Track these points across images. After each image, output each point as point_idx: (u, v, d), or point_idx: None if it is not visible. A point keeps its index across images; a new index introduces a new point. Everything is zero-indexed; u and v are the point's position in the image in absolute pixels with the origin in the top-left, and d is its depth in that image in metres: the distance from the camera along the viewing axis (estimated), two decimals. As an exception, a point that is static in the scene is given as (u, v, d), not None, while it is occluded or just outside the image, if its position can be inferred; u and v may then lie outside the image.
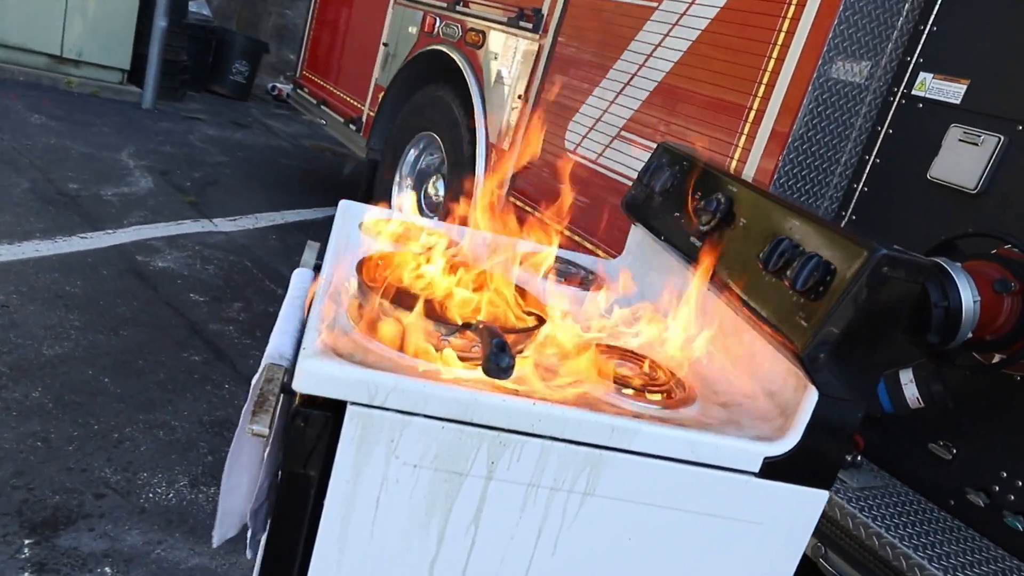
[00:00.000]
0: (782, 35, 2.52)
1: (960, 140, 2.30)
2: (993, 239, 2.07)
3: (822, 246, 1.15)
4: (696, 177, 1.63)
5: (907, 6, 2.46)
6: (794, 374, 1.17)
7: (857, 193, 2.57)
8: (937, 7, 2.41)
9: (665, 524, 1.14)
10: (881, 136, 2.51)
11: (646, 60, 3.05)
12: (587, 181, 3.28)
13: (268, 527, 1.19)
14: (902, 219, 2.42)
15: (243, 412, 1.24)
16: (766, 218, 1.32)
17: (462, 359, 1.11)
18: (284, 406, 1.13)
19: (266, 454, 1.27)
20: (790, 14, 2.50)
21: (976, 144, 2.26)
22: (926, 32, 2.43)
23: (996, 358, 2.03)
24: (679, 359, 1.34)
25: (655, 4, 3.03)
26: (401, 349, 1.11)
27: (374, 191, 5.05)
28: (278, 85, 9.19)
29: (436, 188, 4.65)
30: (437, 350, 1.10)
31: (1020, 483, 2.08)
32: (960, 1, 2.35)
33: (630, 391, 1.18)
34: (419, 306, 1.10)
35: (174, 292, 3.86)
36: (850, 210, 2.58)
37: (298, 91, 6.35)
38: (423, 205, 4.77)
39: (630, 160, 3.09)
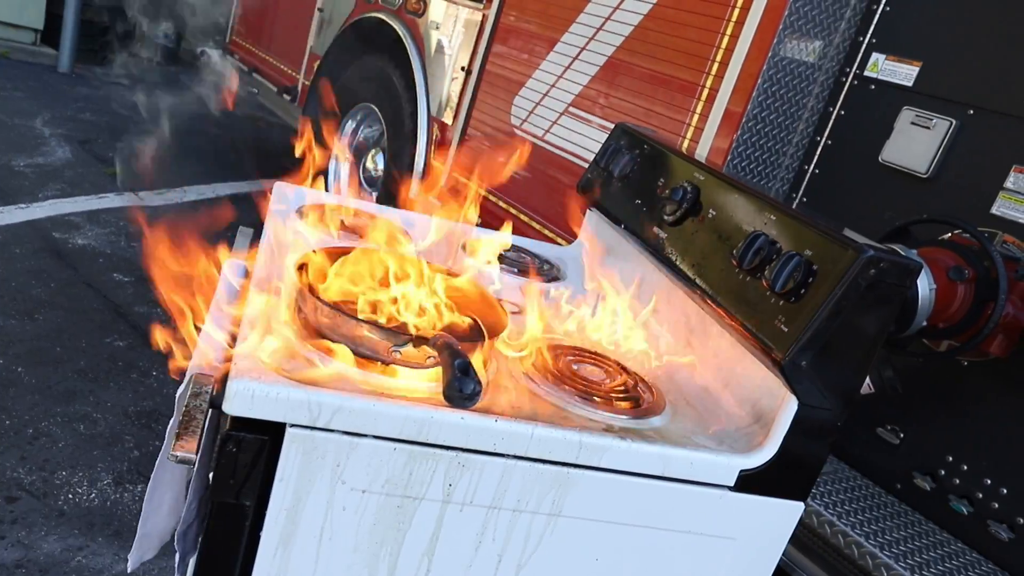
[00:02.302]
0: (736, 12, 2.45)
1: (912, 123, 2.27)
2: (947, 225, 2.06)
3: (802, 244, 1.08)
4: (659, 163, 1.54)
5: (861, -15, 2.41)
6: (770, 379, 1.10)
7: (808, 174, 2.54)
8: (892, -14, 2.36)
9: (635, 543, 1.07)
10: (833, 117, 2.47)
11: (595, 34, 2.94)
12: (533, 159, 3.18)
13: (198, 555, 1.07)
14: (853, 202, 2.39)
15: (167, 431, 1.11)
16: (738, 211, 1.24)
17: (414, 369, 1.00)
18: (213, 423, 1.01)
19: (193, 472, 1.15)
20: (745, -10, 2.43)
21: (928, 128, 2.24)
22: (879, 12, 2.39)
23: (944, 345, 2.02)
24: (644, 359, 1.26)
25: (605, -24, 2.91)
26: (347, 362, 0.99)
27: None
28: (207, 50, 8.76)
29: (375, 162, 4.47)
30: (387, 363, 0.99)
31: (965, 467, 2.10)
32: (913, -20, 2.32)
33: (597, 399, 1.10)
34: (365, 313, 0.99)
35: (95, 272, 3.61)
36: (801, 192, 2.55)
37: (228, 57, 6.03)
38: (362, 179, 4.59)
39: (578, 138, 2.99)
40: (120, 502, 2.32)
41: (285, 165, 5.69)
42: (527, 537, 1.02)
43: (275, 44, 5.31)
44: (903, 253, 1.88)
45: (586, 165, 2.93)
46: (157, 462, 1.11)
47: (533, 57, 3.20)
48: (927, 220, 2.08)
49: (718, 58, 2.49)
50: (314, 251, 1.16)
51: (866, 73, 2.40)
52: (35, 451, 2.42)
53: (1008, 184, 2.07)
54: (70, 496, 2.29)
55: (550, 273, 1.61)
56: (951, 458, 2.12)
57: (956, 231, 2.08)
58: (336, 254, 1.17)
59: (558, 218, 2.99)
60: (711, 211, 1.31)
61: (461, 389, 0.85)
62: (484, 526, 1.00)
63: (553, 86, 3.10)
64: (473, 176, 3.51)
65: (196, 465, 1.08)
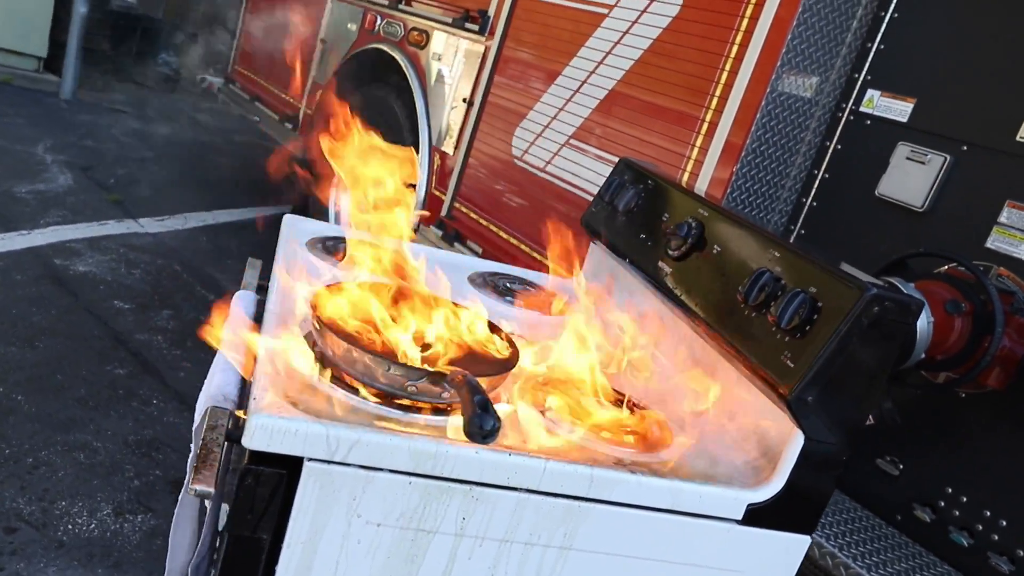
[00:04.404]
0: (735, 48, 2.50)
1: (907, 158, 2.32)
2: (943, 259, 2.09)
3: (807, 281, 1.10)
4: (663, 198, 1.58)
5: (855, 23, 2.46)
6: (776, 413, 1.12)
7: (806, 207, 2.57)
8: (884, 25, 2.42)
9: (636, 575, 1.08)
10: (830, 151, 2.52)
11: (596, 67, 2.99)
12: (535, 190, 3.22)
13: (211, 587, 1.08)
14: (850, 235, 2.42)
15: (188, 465, 1.12)
16: (743, 247, 1.27)
17: (430, 405, 1.02)
18: (228, 455, 1.02)
19: (208, 504, 1.16)
20: (743, 27, 2.48)
21: (923, 163, 2.28)
22: (873, 49, 2.45)
23: (942, 377, 2.04)
24: (652, 393, 1.28)
25: (606, 11, 2.97)
26: (363, 396, 1.01)
27: (310, 193, 4.87)
28: (208, 78, 8.84)
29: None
30: (403, 397, 1.01)
31: (964, 499, 2.11)
32: (906, 21, 2.37)
33: (607, 435, 1.11)
34: (380, 347, 1.01)
35: (96, 299, 3.62)
36: (799, 224, 2.58)
37: (230, 86, 6.09)
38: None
39: (579, 169, 3.03)
40: (120, 533, 2.31)
41: (282, 192, 5.72)
42: (538, 570, 1.04)
43: (277, 73, 5.38)
44: (902, 288, 1.91)
45: (587, 197, 2.99)
46: (180, 496, 1.12)
47: (534, 89, 3.25)
48: (924, 254, 2.11)
49: (717, 92, 2.53)
50: (328, 285, 1.18)
51: (862, 109, 2.45)
52: (35, 480, 2.41)
53: (1002, 219, 2.11)
54: (70, 527, 2.28)
55: (556, 304, 1.63)
56: (950, 489, 2.13)
57: (952, 264, 2.12)
58: (350, 288, 1.19)
59: (561, 249, 3.02)
60: (716, 247, 1.34)
61: (481, 426, 0.87)
62: (496, 560, 1.01)
63: (554, 118, 3.15)
64: (474, 204, 3.55)
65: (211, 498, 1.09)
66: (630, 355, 1.37)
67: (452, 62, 3.73)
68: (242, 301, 1.45)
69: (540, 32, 3.28)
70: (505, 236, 3.35)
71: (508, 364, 1.09)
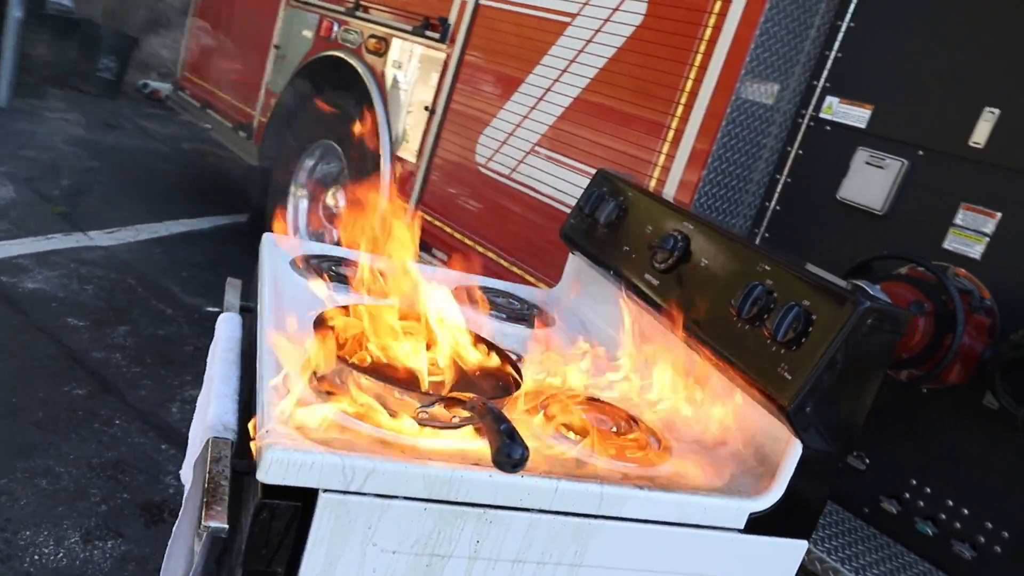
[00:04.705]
0: (699, 56, 2.55)
1: (867, 163, 2.40)
2: (905, 261, 2.17)
3: (799, 295, 1.14)
4: (644, 210, 1.60)
5: (813, 32, 2.54)
6: (772, 422, 1.15)
7: (770, 211, 2.64)
8: (841, 34, 2.50)
9: (649, 588, 1.10)
10: (792, 157, 2.59)
11: (560, 75, 3.02)
12: (500, 198, 3.22)
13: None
14: (813, 238, 2.49)
15: (186, 498, 1.10)
16: (731, 261, 1.30)
17: (442, 429, 1.02)
18: (234, 484, 1.01)
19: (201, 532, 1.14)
20: (707, 36, 2.53)
21: (881, 167, 2.36)
22: (831, 58, 2.52)
23: (905, 374, 2.12)
24: (645, 405, 1.31)
25: (568, 20, 3.00)
26: (373, 423, 1.00)
27: (267, 201, 4.79)
28: (151, 83, 8.60)
29: (336, 198, 4.46)
30: (415, 423, 1.01)
31: (928, 490, 2.19)
32: (862, 30, 2.45)
33: (610, 450, 1.13)
34: (385, 371, 1.00)
35: (48, 317, 3.50)
36: (763, 228, 2.65)
37: (179, 92, 5.95)
38: (322, 216, 4.57)
39: (545, 176, 3.05)
40: (90, 560, 2.24)
41: (238, 201, 5.65)
42: (550, 589, 1.04)
43: (229, 80, 5.27)
44: (869, 290, 1.98)
45: (554, 204, 3.01)
46: (175, 528, 1.10)
47: (498, 96, 3.25)
48: (888, 257, 2.18)
49: (683, 100, 2.58)
50: (330, 310, 1.17)
51: (821, 115, 2.53)
52: (-5, 509, 2.32)
53: (957, 220, 2.20)
54: (36, 557, 2.20)
55: (543, 319, 1.65)
56: (915, 482, 2.21)
57: (912, 266, 2.20)
58: (352, 313, 1.18)
59: (527, 257, 3.04)
60: (703, 260, 1.37)
61: (510, 455, 0.87)
62: (509, 580, 1.02)
63: (519, 126, 3.16)
64: (437, 212, 3.54)
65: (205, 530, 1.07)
66: (620, 368, 1.39)
67: (412, 70, 3.72)
68: (228, 323, 1.43)
69: (502, 40, 3.29)
70: (471, 243, 3.35)
71: (514, 385, 1.10)
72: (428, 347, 1.14)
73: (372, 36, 3.96)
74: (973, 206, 2.17)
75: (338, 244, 4.14)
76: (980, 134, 2.19)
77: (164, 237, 4.91)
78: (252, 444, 0.92)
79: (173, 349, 3.50)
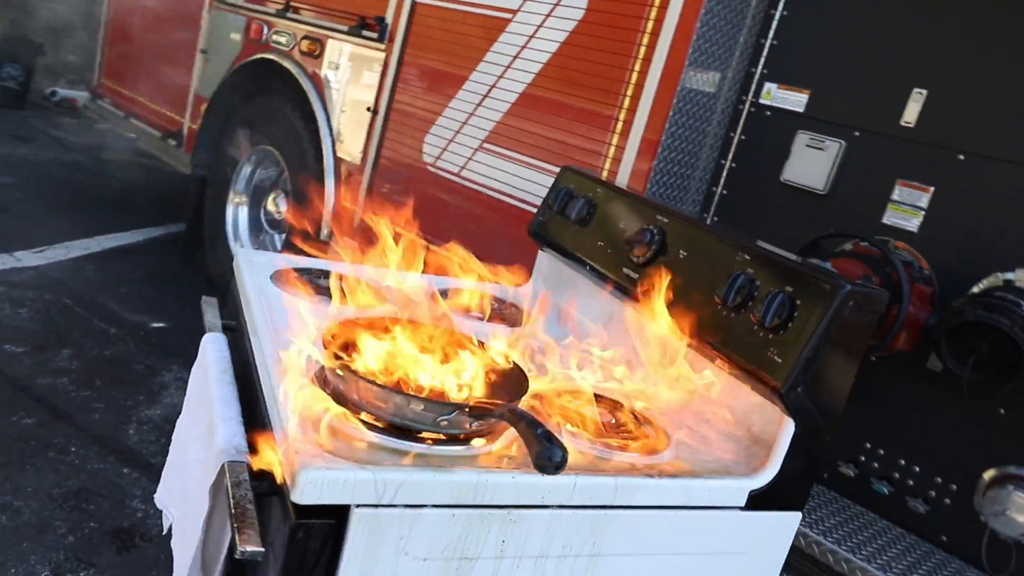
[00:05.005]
0: (643, 49, 2.62)
1: (807, 145, 2.51)
2: (851, 237, 2.29)
3: (781, 282, 1.21)
4: (616, 206, 1.65)
5: (748, 21, 2.63)
6: (762, 403, 1.22)
7: (717, 196, 2.74)
8: (775, 23, 2.60)
9: (661, 571, 1.15)
10: (735, 142, 2.69)
11: (505, 71, 3.04)
12: (450, 196, 3.24)
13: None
14: (760, 219, 2.60)
15: (201, 521, 1.09)
16: (710, 252, 1.36)
17: (461, 436, 1.05)
18: (254, 504, 1.01)
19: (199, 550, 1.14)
20: (649, 29, 2.60)
21: (821, 149, 2.48)
22: (767, 45, 2.63)
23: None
24: (638, 395, 1.36)
25: (509, 16, 3.03)
26: (392, 434, 1.02)
27: (204, 210, 4.67)
28: (61, 91, 8.22)
29: (277, 204, 4.38)
30: (434, 431, 1.03)
31: (882, 452, 2.33)
32: (795, 17, 2.56)
33: (613, 442, 1.18)
34: (404, 383, 1.02)
35: (-17, 345, 3.35)
36: (711, 212, 2.74)
37: (98, 101, 5.72)
38: (264, 222, 4.48)
39: (496, 172, 3.08)
40: (63, 593, 2.18)
41: (171, 212, 5.49)
42: (571, 580, 1.09)
43: (154, 87, 5.10)
44: (822, 266, 2.08)
45: (506, 200, 3.04)
46: (184, 560, 1.09)
47: (442, 95, 3.26)
48: (835, 235, 2.30)
49: (629, 92, 2.64)
50: (335, 324, 1.17)
51: (761, 101, 2.63)
52: (-46, 550, 2.23)
53: (894, 196, 2.33)
54: (5, 594, 2.13)
55: (522, 317, 1.68)
56: (869, 445, 2.34)
57: (855, 241, 2.33)
58: (357, 326, 1.19)
59: (481, 254, 3.06)
60: (681, 252, 1.43)
61: (551, 457, 0.91)
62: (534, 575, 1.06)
63: (465, 123, 3.18)
64: (387, 216, 3.52)
65: (202, 543, 1.08)
66: (608, 361, 1.44)
67: (351, 71, 3.68)
68: (214, 344, 1.41)
69: (443, 38, 3.30)
70: (424, 243, 3.35)
71: (524, 387, 1.13)
72: (438, 356, 1.16)
73: (305, 38, 3.90)
74: (908, 182, 2.31)
75: (283, 251, 4.07)
76: (910, 114, 2.32)
77: (96, 253, 4.73)
78: (260, 462, 0.93)
79: (122, 369, 3.39)
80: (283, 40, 4.05)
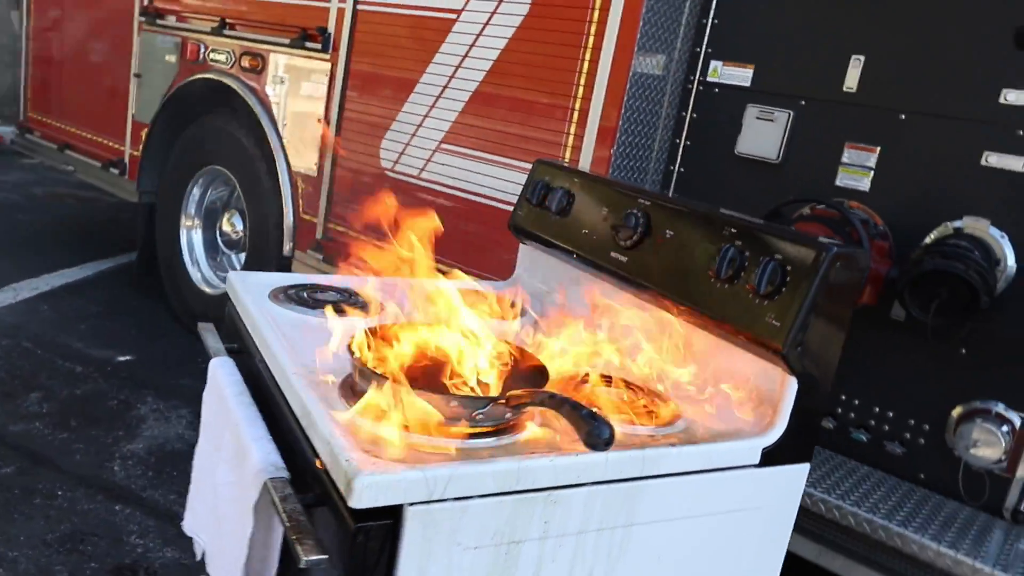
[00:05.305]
0: (591, 38, 2.68)
1: (757, 118, 2.62)
2: (807, 202, 2.40)
3: (770, 250, 1.28)
4: (595, 193, 1.71)
5: (688, 2, 2.72)
6: (763, 365, 1.29)
7: (675, 174, 2.83)
8: (715, 2, 2.70)
9: (687, 534, 1.22)
10: (687, 121, 2.78)
11: (456, 70, 3.08)
12: (412, 198, 3.26)
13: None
14: (719, 193, 2.69)
15: (246, 540, 1.12)
16: (696, 229, 1.43)
17: (495, 428, 1.10)
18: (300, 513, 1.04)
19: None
20: (596, 18, 2.66)
21: (771, 120, 2.59)
22: (709, 24, 2.72)
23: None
24: (643, 373, 1.42)
25: (454, 16, 3.06)
26: (430, 433, 1.07)
27: (155, 237, 4.59)
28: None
29: (232, 224, 4.34)
30: (471, 424, 1.08)
31: (856, 402, 2.45)
32: (734, -6, 2.66)
33: (627, 417, 1.24)
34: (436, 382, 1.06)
35: (-55, 398, 3.25)
36: (671, 190, 2.83)
37: (26, 135, 5.54)
38: (220, 243, 4.43)
39: (456, 171, 3.11)
40: (75, 637, 2.15)
41: (117, 243, 5.40)
42: (609, 551, 1.15)
43: (89, 116, 4.97)
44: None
45: (469, 197, 3.08)
46: None
47: (394, 99, 3.28)
48: (794, 201, 2.41)
49: (582, 81, 2.71)
50: (359, 333, 1.21)
51: (709, 79, 2.72)
52: (-47, 609, 2.18)
53: (844, 159, 2.45)
54: (14, 646, 2.10)
55: (517, 310, 1.73)
56: (844, 397, 2.46)
57: (813, 204, 2.43)
58: (378, 334, 1.22)
59: (452, 253, 3.10)
60: (667, 232, 1.49)
61: (600, 435, 0.96)
62: (575, 551, 1.11)
63: (421, 125, 3.20)
64: (351, 224, 3.53)
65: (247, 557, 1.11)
66: (609, 343, 1.50)
67: (297, 83, 3.66)
68: (225, 367, 1.43)
69: (389, 43, 3.31)
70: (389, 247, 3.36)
71: (545, 374, 1.19)
72: (461, 353, 1.20)
73: (246, 54, 3.86)
74: (856, 144, 2.43)
75: (245, 269, 4.02)
76: (851, 80, 2.44)
77: (47, 292, 4.60)
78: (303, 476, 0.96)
79: (96, 407, 3.33)
80: (222, 58, 4.00)
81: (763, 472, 1.25)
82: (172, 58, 4.29)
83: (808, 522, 2.18)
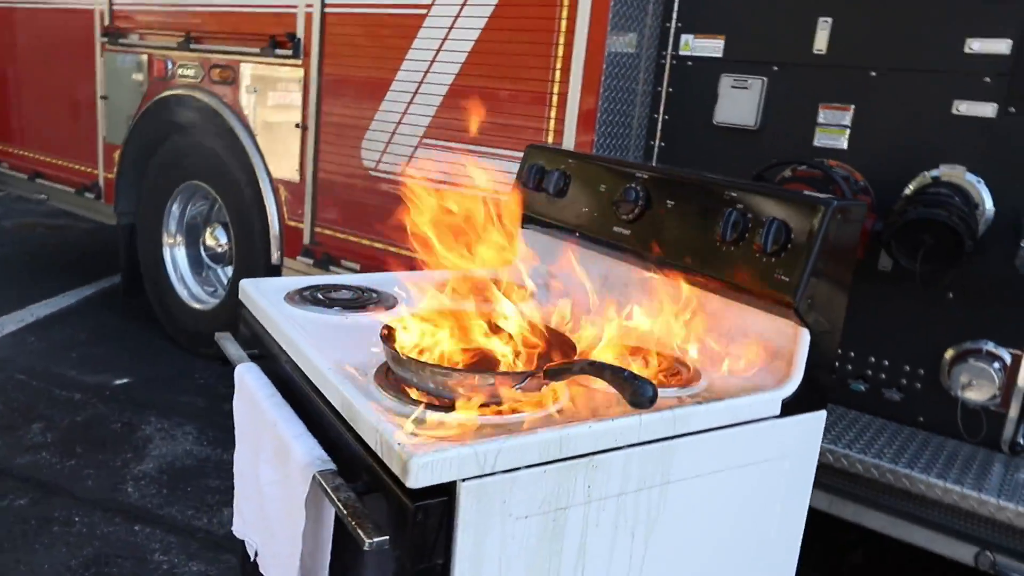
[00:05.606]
0: (564, 22, 2.72)
1: (732, 87, 2.67)
2: (791, 164, 2.46)
3: (772, 210, 1.33)
4: (591, 172, 1.75)
5: (653, -22, 2.76)
6: (775, 321, 1.35)
7: (656, 149, 2.88)
8: (681, -25, 2.74)
9: (718, 487, 1.28)
10: (664, 96, 2.83)
11: (430, 66, 3.10)
12: (398, 195, 3.28)
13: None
14: (701, 163, 2.75)
15: (300, 534, 1.15)
16: (696, 197, 1.48)
17: (532, 402, 1.14)
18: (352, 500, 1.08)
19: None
20: (566, 2, 2.70)
21: (746, 88, 2.65)
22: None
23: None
24: (659, 339, 1.47)
25: (424, 11, 3.08)
26: (473, 411, 1.11)
27: (139, 258, 4.57)
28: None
29: (216, 237, 4.33)
30: (514, 399, 1.12)
31: (853, 354, 2.53)
32: (700, -33, 2.70)
33: (659, 381, 1.28)
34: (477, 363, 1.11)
35: (-55, 438, 3.23)
36: (654, 164, 2.89)
37: (-4, 168, 5.47)
38: (205, 257, 4.42)
39: (439, 165, 3.13)
40: (112, 656, 2.17)
41: (95, 267, 5.40)
42: (648, 510, 1.20)
43: (58, 142, 4.92)
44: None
45: (455, 190, 3.11)
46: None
47: (371, 99, 3.29)
48: (777, 164, 2.47)
49: (559, 65, 2.75)
50: (390, 323, 1.24)
51: (681, 53, 2.78)
52: (-13, 642, 2.19)
53: (820, 119, 2.52)
54: (52, 671, 2.11)
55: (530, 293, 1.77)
56: (840, 350, 2.54)
57: (793, 166, 2.50)
58: (411, 321, 1.26)
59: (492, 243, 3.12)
60: (668, 202, 1.54)
61: (644, 393, 1.01)
62: (617, 512, 1.16)
63: (400, 123, 3.22)
64: (340, 226, 3.54)
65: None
66: (618, 315, 1.54)
67: (271, 91, 3.66)
68: (251, 372, 1.46)
69: (360, 43, 3.32)
70: (381, 247, 3.39)
71: (572, 345, 1.23)
72: (479, 336, 1.24)
73: (215, 66, 3.85)
74: (830, 104, 2.49)
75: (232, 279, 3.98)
76: (820, 41, 2.51)
77: (33, 324, 4.57)
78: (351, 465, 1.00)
79: (100, 431, 3.33)
80: (191, 73, 3.98)
81: (784, 422, 1.31)
82: (139, 77, 4.26)
83: (818, 473, 2.25)
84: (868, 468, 2.17)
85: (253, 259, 3.85)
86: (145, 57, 4.19)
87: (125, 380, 3.86)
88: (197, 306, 4.31)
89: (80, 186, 4.73)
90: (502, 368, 1.19)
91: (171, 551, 2.57)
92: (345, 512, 1.02)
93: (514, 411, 1.13)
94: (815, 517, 2.24)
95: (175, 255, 4.46)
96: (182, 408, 3.56)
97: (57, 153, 4.94)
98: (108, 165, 4.58)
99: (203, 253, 4.40)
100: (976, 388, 2.27)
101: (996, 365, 2.22)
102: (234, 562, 2.51)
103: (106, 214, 4.64)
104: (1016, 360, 2.21)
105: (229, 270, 4.23)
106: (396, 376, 1.19)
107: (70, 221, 6.72)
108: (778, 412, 1.30)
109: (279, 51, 3.54)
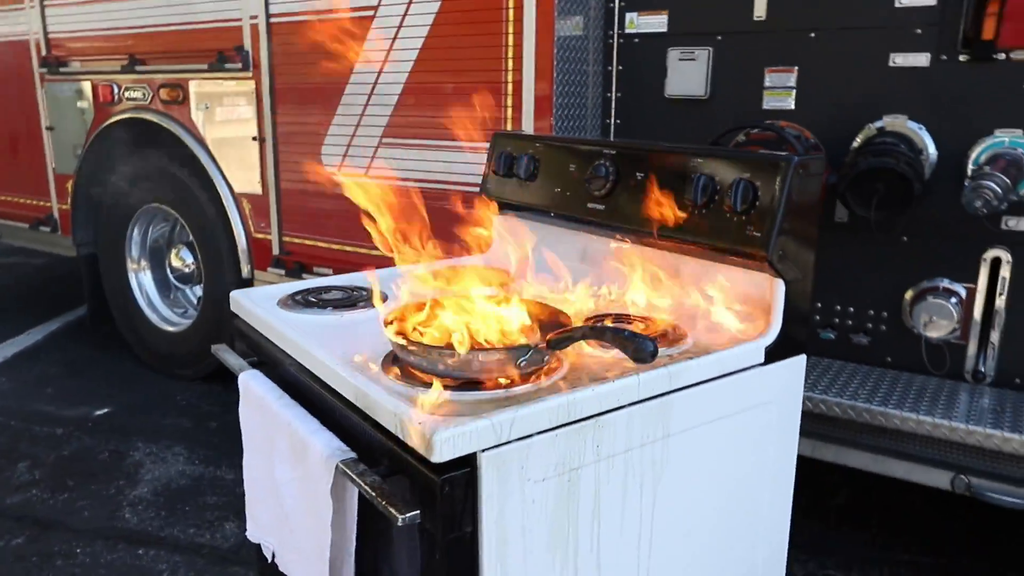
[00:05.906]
0: (511, 11, 2.77)
1: (680, 60, 2.76)
2: (744, 128, 2.56)
3: (736, 172, 1.42)
4: (560, 153, 1.82)
5: (585, -40, 2.83)
6: (750, 275, 1.43)
7: (612, 126, 2.96)
8: (612, -45, 2.81)
9: (715, 436, 1.36)
10: (615, 74, 2.90)
11: (383, 65, 3.13)
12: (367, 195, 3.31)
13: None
14: (657, 136, 2.83)
15: (329, 524, 1.20)
16: (664, 167, 1.56)
17: (538, 372, 1.21)
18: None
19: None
20: (512, -8, 2.75)
21: (693, 59, 2.73)
22: (616, -21, 2.84)
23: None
24: (643, 304, 1.55)
25: (371, 12, 3.10)
26: (478, 387, 1.17)
27: (104, 287, 4.52)
28: None
29: (182, 258, 4.30)
30: (520, 373, 1.18)
31: (819, 304, 2.64)
32: (634, -55, 2.78)
33: (648, 343, 1.36)
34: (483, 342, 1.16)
35: (-71, 486, 3.18)
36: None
37: (-58, 211, 5.33)
38: (172, 279, 4.39)
39: (402, 162, 3.17)
40: None
41: (56, 302, 5.36)
42: (653, 463, 1.28)
43: (6, 178, 4.82)
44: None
45: (421, 185, 3.15)
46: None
47: (327, 104, 3.31)
48: (732, 129, 2.56)
49: (510, 54, 2.80)
50: (391, 312, 1.30)
51: (627, 31, 2.85)
52: None
53: (767, 83, 2.62)
54: None
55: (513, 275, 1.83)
56: (808, 302, 2.65)
57: (747, 130, 2.59)
58: (410, 309, 1.32)
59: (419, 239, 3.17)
60: (637, 174, 1.62)
61: (645, 348, 1.08)
62: (626, 468, 1.24)
63: (359, 125, 3.25)
64: (310, 233, 3.56)
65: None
66: (600, 287, 1.62)
67: (224, 106, 3.65)
68: (256, 379, 1.49)
69: (310, 49, 3.33)
70: (351, 249, 3.42)
71: (567, 317, 1.30)
72: (477, 318, 1.31)
73: (163, 86, 3.82)
74: (775, 67, 2.59)
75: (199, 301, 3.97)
76: (760, 8, 2.60)
77: (1, 364, 4.49)
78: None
79: (88, 463, 3.31)
80: (139, 95, 3.95)
81: (769, 368, 1.40)
82: (85, 104, 4.21)
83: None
84: (845, 410, 2.29)
85: (223, 275, 3.84)
86: (88, 84, 4.13)
87: (106, 410, 3.83)
88: (169, 328, 4.29)
89: (34, 220, 4.65)
90: (505, 343, 1.25)
91: (178, 571, 2.59)
92: (374, 494, 1.08)
93: (523, 381, 1.19)
94: (800, 464, 2.36)
95: (141, 280, 4.43)
96: (168, 431, 3.56)
97: (6, 189, 4.84)
98: (61, 196, 4.51)
99: (170, 275, 4.37)
100: (936, 324, 2.40)
101: (953, 300, 2.35)
102: (243, 574, 2.54)
103: (64, 246, 4.58)
104: (971, 293, 2.34)
105: (198, 289, 4.21)
106: (403, 362, 1.24)
107: (21, 258, 6.60)
108: (762, 360, 1.38)
109: (228, 65, 3.53)
